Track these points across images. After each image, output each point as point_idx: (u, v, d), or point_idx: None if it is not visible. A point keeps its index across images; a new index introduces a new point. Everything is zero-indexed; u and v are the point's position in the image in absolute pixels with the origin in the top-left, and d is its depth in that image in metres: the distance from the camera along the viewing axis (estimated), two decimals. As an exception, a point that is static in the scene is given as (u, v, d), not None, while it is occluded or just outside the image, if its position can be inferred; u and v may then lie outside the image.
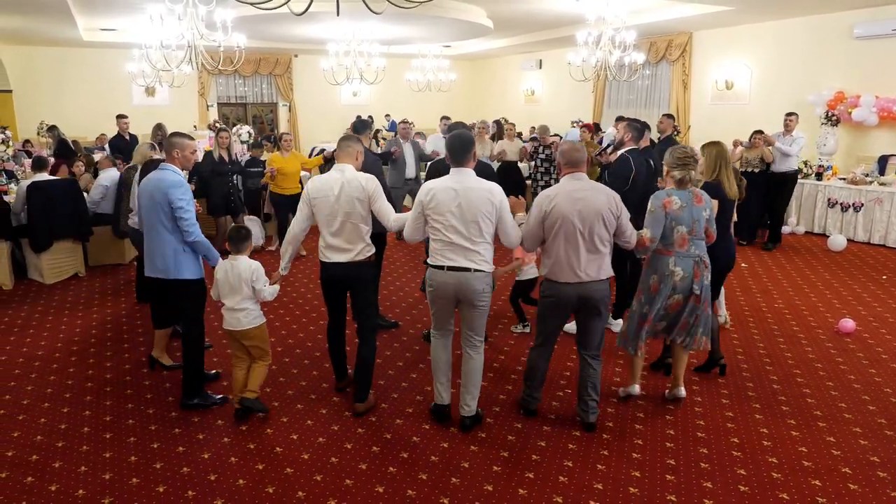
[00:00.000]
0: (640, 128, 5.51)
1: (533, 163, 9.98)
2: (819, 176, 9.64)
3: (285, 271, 4.19)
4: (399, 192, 8.82)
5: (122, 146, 10.25)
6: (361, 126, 5.59)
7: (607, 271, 3.78)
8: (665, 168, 4.09)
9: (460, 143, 3.74)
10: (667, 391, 4.40)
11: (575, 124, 13.91)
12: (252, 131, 12.16)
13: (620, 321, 5.62)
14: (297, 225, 4.10)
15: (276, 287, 4.14)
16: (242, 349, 4.11)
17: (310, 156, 12.24)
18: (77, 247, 7.49)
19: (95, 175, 8.76)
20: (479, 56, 18.82)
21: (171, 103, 16.38)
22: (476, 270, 3.67)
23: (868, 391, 4.50)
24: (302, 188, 8.47)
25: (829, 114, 10.44)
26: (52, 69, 15.52)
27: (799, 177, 9.28)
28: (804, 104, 10.44)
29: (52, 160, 10.20)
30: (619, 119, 9.10)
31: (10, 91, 14.90)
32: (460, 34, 13.63)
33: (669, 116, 8.37)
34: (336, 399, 4.40)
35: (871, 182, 9.07)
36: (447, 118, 10.67)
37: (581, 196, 3.66)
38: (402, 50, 15.77)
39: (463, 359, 3.91)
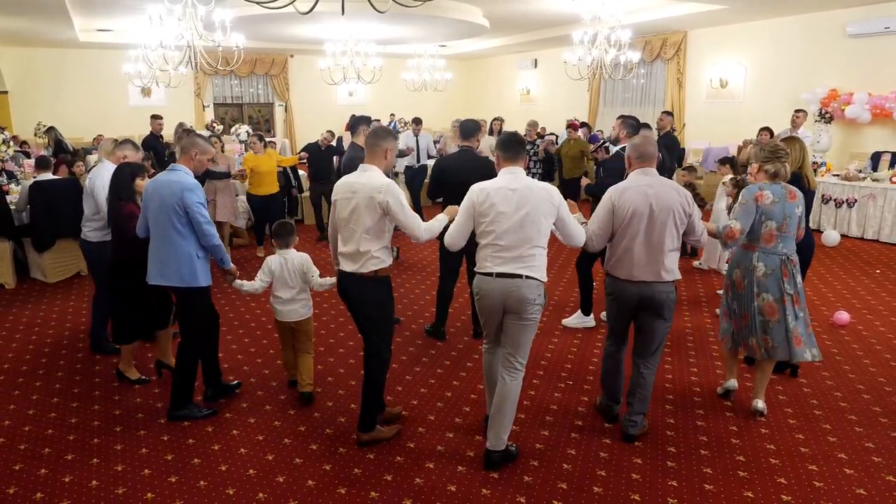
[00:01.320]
0: (635, 125, 5.60)
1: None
2: (814, 172, 9.73)
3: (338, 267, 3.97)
4: None
5: (156, 146, 10.12)
6: (357, 123, 5.65)
7: (674, 273, 3.59)
8: (755, 164, 3.98)
9: (513, 142, 3.52)
10: (734, 381, 4.31)
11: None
12: (250, 131, 12.20)
13: (591, 317, 5.67)
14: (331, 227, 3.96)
15: (331, 280, 4.20)
16: (291, 340, 4.36)
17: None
18: (79, 246, 7.51)
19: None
20: (474, 55, 18.91)
21: (167, 104, 16.41)
22: (528, 277, 3.34)
23: (863, 381, 4.59)
24: (278, 188, 8.49)
25: (823, 111, 10.58)
26: (49, 70, 15.54)
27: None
28: (798, 102, 10.56)
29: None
30: (666, 113, 9.21)
31: (6, 92, 14.91)
32: (457, 34, 13.72)
33: (668, 114, 8.48)
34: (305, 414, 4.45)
35: (864, 178, 9.18)
36: (419, 120, 10.73)
37: (653, 192, 3.51)
38: (398, 50, 15.85)
39: (500, 381, 3.48)
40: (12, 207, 7.26)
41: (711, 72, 13.04)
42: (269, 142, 12.31)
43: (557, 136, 14.41)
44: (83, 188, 7.49)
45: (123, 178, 4.32)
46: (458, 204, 3.60)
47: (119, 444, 3.84)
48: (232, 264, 4.14)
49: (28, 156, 10.54)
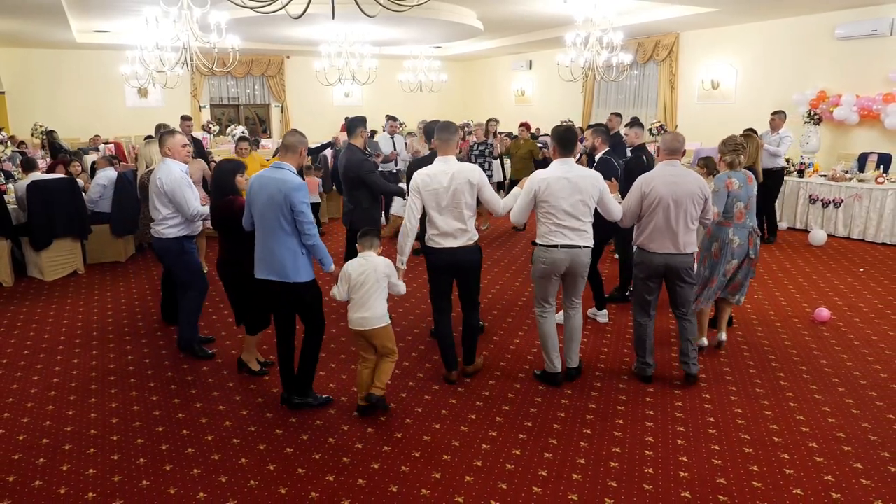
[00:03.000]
0: (604, 130, 6.09)
1: (470, 159, 9.97)
2: (801, 173, 9.89)
3: (404, 266, 4.32)
4: None
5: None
6: (355, 124, 5.75)
7: (693, 246, 4.37)
8: (718, 154, 4.90)
9: (570, 136, 4.27)
10: (704, 339, 5.08)
11: (564, 123, 14.12)
12: (246, 132, 12.31)
13: (605, 312, 5.84)
14: (412, 218, 4.29)
15: (403, 284, 4.22)
16: (370, 348, 4.10)
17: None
18: (76, 245, 7.64)
19: (92, 175, 8.94)
20: (469, 57, 19.03)
21: (164, 105, 16.50)
22: (584, 247, 4.29)
23: (838, 374, 4.73)
24: None
25: (812, 112, 10.71)
26: (46, 71, 15.62)
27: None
28: (788, 103, 10.70)
29: (45, 161, 10.37)
30: (615, 114, 9.38)
31: (3, 93, 14.99)
32: (451, 36, 13.83)
33: (617, 115, 9.13)
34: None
35: (850, 179, 9.31)
36: (392, 118, 10.37)
37: (675, 180, 4.27)
38: (393, 51, 15.96)
39: (567, 319, 4.54)
40: (13, 207, 7.37)
41: (703, 73, 13.18)
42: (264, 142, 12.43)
43: (547, 135, 14.55)
44: (81, 188, 7.69)
45: (226, 176, 4.46)
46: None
47: (115, 434, 3.96)
48: (333, 266, 4.15)
49: (24, 156, 10.63)
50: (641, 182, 4.35)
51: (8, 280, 7.15)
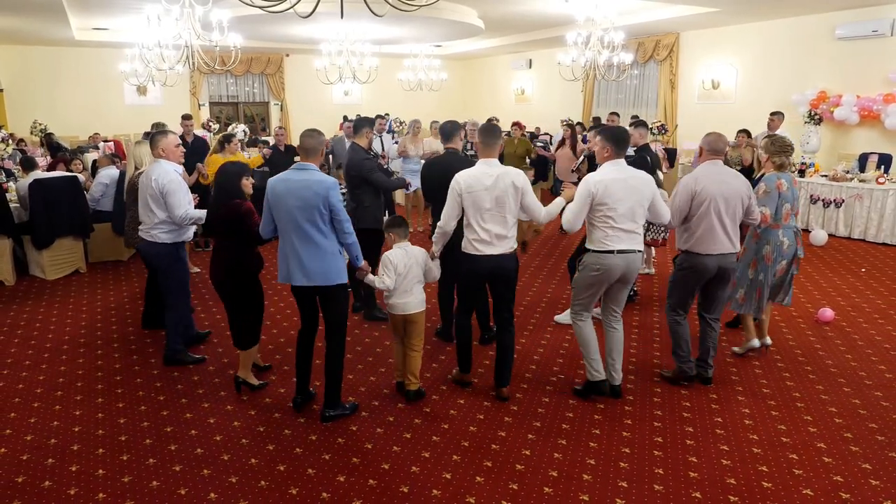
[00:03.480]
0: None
1: None
2: (802, 173, 9.91)
3: (437, 256, 4.40)
4: None
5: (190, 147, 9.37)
6: (361, 124, 5.75)
7: (738, 245, 4.38)
8: (765, 155, 4.86)
9: (626, 136, 4.28)
10: (756, 341, 5.03)
11: (564, 122, 14.13)
12: (247, 130, 12.29)
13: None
14: (450, 219, 4.18)
15: (438, 268, 4.42)
16: (399, 333, 4.34)
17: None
18: (78, 243, 7.62)
19: (93, 173, 8.91)
20: (469, 56, 19.03)
21: (163, 103, 16.48)
22: (639, 251, 4.17)
23: (844, 375, 4.74)
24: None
25: (812, 113, 10.73)
26: (45, 68, 15.58)
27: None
28: (788, 103, 10.73)
29: (45, 160, 10.33)
30: (613, 114, 9.37)
31: (2, 90, 14.95)
32: (452, 34, 13.84)
33: (615, 114, 9.38)
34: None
35: (851, 179, 9.34)
36: (349, 120, 10.10)
37: (723, 179, 4.28)
38: (393, 50, 15.95)
39: (608, 333, 4.35)
40: (14, 206, 7.34)
41: (703, 73, 13.20)
42: (263, 140, 12.39)
43: (552, 137, 14.58)
44: (82, 186, 7.67)
45: (232, 179, 4.24)
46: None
47: (123, 435, 3.96)
48: (364, 261, 4.18)
49: (24, 154, 10.58)
50: (690, 182, 4.30)
51: (10, 279, 7.14)
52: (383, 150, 9.32)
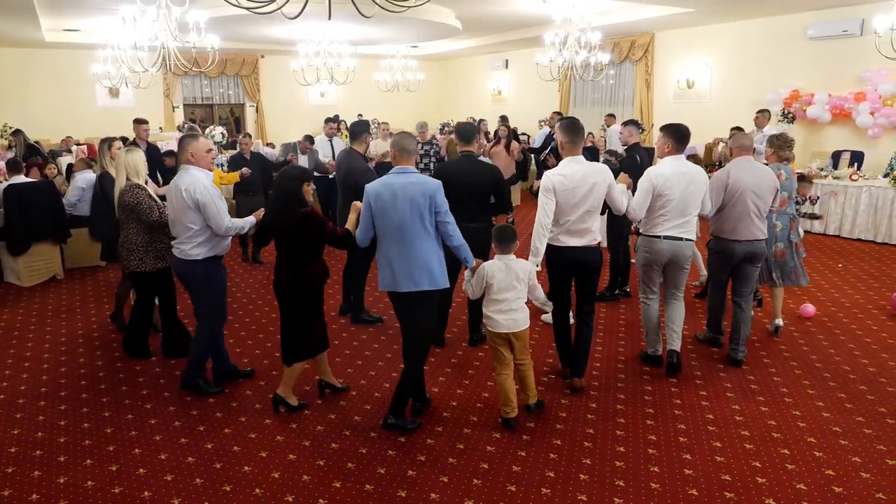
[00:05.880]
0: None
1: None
2: (777, 170, 10.06)
3: (538, 267, 4.20)
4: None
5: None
6: (360, 129, 5.69)
7: (766, 233, 4.84)
8: (771, 149, 5.33)
9: (687, 133, 4.56)
10: (779, 320, 5.55)
11: (543, 123, 14.21)
12: (225, 132, 12.14)
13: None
14: (546, 217, 4.19)
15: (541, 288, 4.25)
16: (508, 353, 4.04)
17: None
18: (55, 249, 7.46)
19: (68, 177, 8.73)
20: (446, 56, 19.02)
21: (135, 105, 16.18)
22: (688, 239, 4.56)
23: (828, 369, 4.83)
24: None
25: (786, 111, 10.92)
26: (14, 70, 15.20)
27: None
28: (762, 102, 10.88)
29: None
30: (610, 116, 9.39)
31: (-30, 93, 14.58)
32: (429, 35, 13.81)
33: (558, 114, 9.16)
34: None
35: (825, 176, 9.52)
36: (332, 119, 9.80)
37: (755, 171, 4.74)
38: (370, 50, 15.87)
39: (668, 307, 4.76)
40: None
41: (678, 73, 13.34)
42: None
43: (529, 137, 14.63)
44: (58, 190, 7.51)
45: (294, 185, 3.93)
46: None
47: (111, 445, 3.88)
48: (475, 260, 4.08)
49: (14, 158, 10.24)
50: (722, 175, 4.75)
51: (-16, 287, 6.97)
52: (333, 155, 8.87)
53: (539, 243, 4.22)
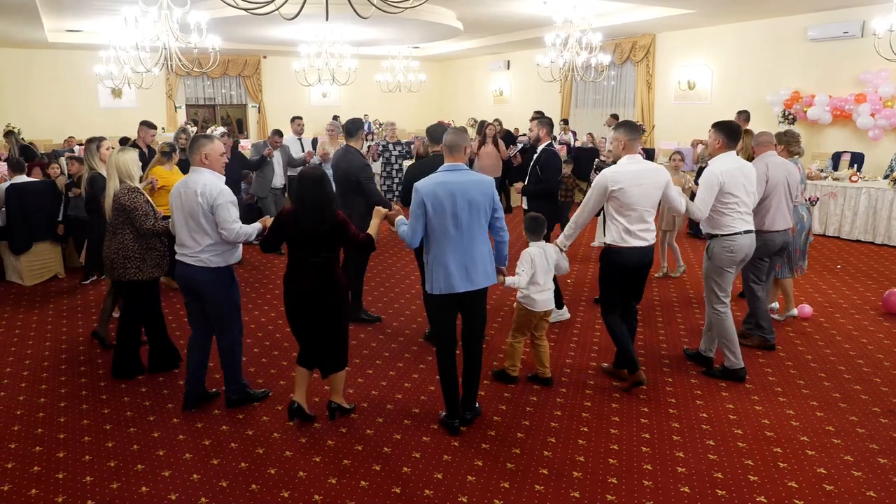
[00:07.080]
0: (549, 122, 6.00)
1: (379, 162, 10.13)
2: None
3: (566, 247, 4.59)
4: (266, 202, 8.55)
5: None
6: (356, 126, 5.72)
7: (791, 222, 5.19)
8: (780, 146, 5.44)
9: (738, 129, 4.63)
10: (795, 310, 5.89)
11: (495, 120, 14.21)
12: (226, 132, 12.20)
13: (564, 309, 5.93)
14: (589, 213, 4.42)
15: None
16: (530, 328, 4.57)
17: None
18: (56, 248, 7.51)
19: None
20: (448, 57, 19.07)
21: (138, 105, 16.29)
22: (754, 231, 4.71)
23: (823, 369, 4.85)
24: None
25: (786, 112, 10.94)
26: (17, 71, 15.33)
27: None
28: (763, 103, 10.92)
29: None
30: (613, 116, 9.42)
31: (-27, 93, 14.68)
32: (431, 36, 13.86)
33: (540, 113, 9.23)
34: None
35: (825, 177, 9.53)
36: (297, 117, 9.74)
37: (785, 165, 5.09)
38: (371, 51, 15.94)
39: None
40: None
41: (679, 74, 13.38)
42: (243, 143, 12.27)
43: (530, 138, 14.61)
44: (59, 190, 7.55)
45: (327, 187, 3.80)
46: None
47: (110, 441, 3.92)
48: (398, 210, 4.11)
49: (17, 155, 10.26)
50: (763, 168, 4.93)
51: (-14, 285, 7.02)
52: (303, 150, 9.09)
53: (572, 233, 4.55)
